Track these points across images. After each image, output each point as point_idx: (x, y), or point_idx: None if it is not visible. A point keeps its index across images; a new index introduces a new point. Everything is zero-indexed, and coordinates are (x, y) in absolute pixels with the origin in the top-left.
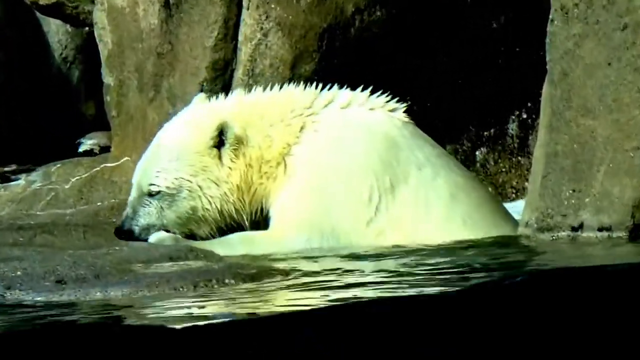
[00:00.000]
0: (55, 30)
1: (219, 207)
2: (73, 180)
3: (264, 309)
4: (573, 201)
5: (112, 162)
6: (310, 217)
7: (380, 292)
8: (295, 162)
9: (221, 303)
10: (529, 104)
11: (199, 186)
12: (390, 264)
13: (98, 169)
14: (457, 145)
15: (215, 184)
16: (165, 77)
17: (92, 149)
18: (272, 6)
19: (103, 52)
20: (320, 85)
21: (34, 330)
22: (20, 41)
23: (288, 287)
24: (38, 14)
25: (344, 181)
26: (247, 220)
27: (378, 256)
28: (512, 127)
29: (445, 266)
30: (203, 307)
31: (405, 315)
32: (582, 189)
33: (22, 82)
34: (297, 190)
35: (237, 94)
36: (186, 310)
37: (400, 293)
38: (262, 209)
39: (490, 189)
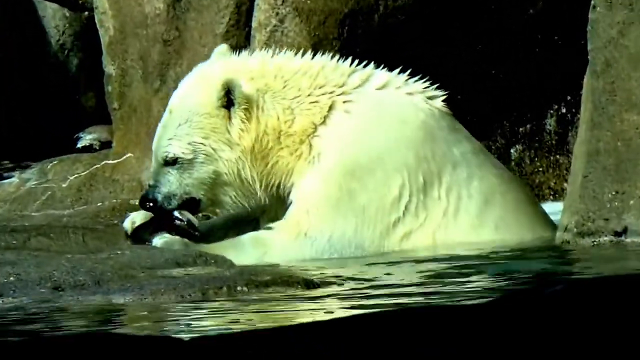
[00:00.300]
0: (52, 15)
1: (236, 171)
2: (71, 178)
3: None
4: (616, 203)
5: (113, 159)
6: (333, 215)
7: (406, 302)
8: (322, 146)
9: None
10: (569, 98)
11: (213, 149)
12: (413, 271)
13: (98, 166)
14: (490, 142)
15: (228, 146)
16: (172, 66)
17: (91, 145)
18: None
19: (104, 39)
20: (356, 62)
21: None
22: (13, 27)
23: (309, 298)
24: None
25: (373, 176)
26: (266, 190)
27: (399, 263)
28: (550, 123)
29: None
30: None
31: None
32: (626, 190)
33: (16, 72)
34: (321, 182)
35: (263, 54)
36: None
37: (423, 302)
38: (283, 186)
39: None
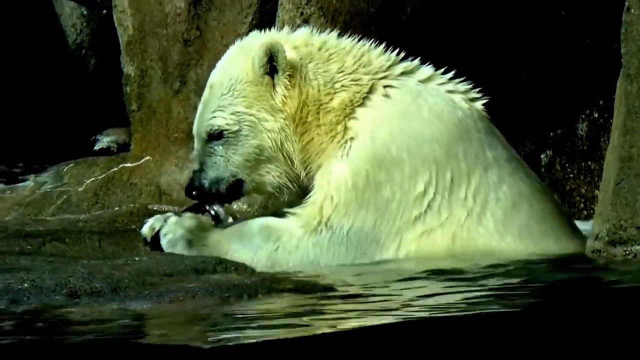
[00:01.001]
0: (70, 13)
1: (279, 144)
2: (87, 181)
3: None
4: None
5: (131, 162)
6: (355, 206)
7: (429, 312)
8: (356, 130)
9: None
10: (601, 102)
11: (257, 118)
12: (433, 280)
13: (116, 169)
14: (519, 147)
15: (271, 115)
16: (192, 67)
17: (109, 147)
18: None
19: (123, 38)
20: (402, 54)
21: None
22: (30, 26)
23: (330, 305)
24: None
25: (400, 169)
26: (303, 167)
27: (418, 270)
28: (582, 128)
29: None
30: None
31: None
32: None
33: (32, 72)
34: (348, 169)
35: (307, 29)
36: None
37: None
38: (312, 167)
39: (557, 198)
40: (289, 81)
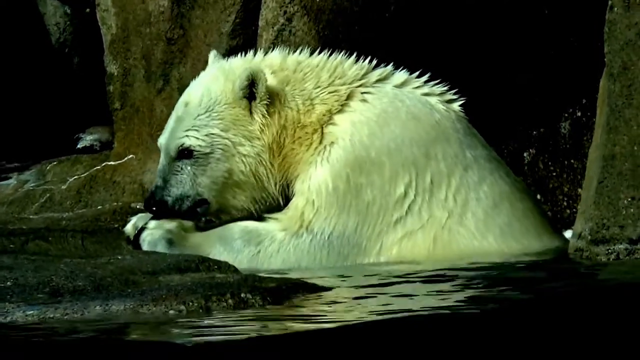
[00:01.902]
0: (53, 12)
1: (253, 169)
2: (70, 180)
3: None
4: (632, 210)
5: (114, 160)
6: (337, 210)
7: (412, 309)
8: (335, 135)
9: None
10: (584, 101)
11: (232, 142)
12: (412, 279)
13: (99, 167)
14: (502, 145)
15: (248, 140)
16: (176, 66)
17: (92, 145)
18: None
19: (106, 37)
20: (374, 62)
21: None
22: (13, 24)
23: (313, 304)
24: None
25: (380, 172)
26: (276, 187)
27: (400, 270)
28: (565, 126)
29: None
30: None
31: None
32: None
33: (15, 70)
34: (329, 173)
35: (279, 50)
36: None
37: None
38: (289, 180)
39: (538, 196)
40: (268, 109)
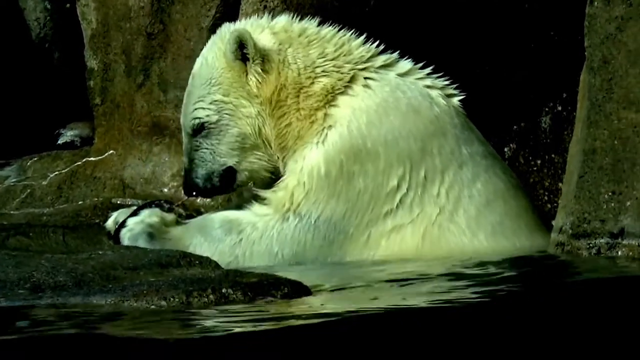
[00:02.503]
0: (33, 7)
1: (257, 129)
2: (51, 175)
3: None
4: (613, 204)
5: (95, 156)
6: (326, 195)
7: (394, 304)
8: (335, 119)
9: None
10: (565, 95)
11: (235, 105)
12: (397, 275)
13: (79, 163)
14: None
15: (247, 100)
16: (156, 61)
17: (72, 141)
18: None
19: (86, 32)
20: (382, 47)
21: None
22: None
23: (296, 300)
24: None
25: (375, 162)
26: (281, 152)
27: (384, 266)
28: (545, 121)
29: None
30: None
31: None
32: (623, 190)
33: None
34: (323, 158)
35: (286, 17)
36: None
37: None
38: (288, 151)
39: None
40: (263, 67)
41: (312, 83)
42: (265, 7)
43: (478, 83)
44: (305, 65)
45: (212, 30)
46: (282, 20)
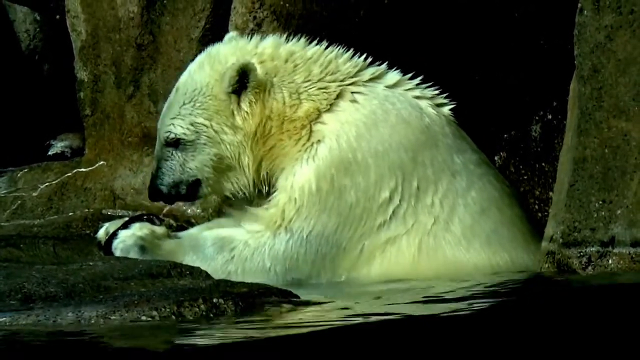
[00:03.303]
0: (23, 19)
1: (236, 156)
2: (42, 187)
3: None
4: (603, 213)
5: (85, 167)
6: (318, 210)
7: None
8: (322, 133)
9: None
10: (555, 104)
11: (215, 131)
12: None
13: (70, 174)
14: None
15: (231, 129)
16: (146, 72)
17: (63, 152)
18: None
19: (76, 43)
20: (369, 59)
21: None
22: None
23: (286, 310)
24: (3, 1)
25: (366, 175)
26: (257, 174)
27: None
28: (536, 129)
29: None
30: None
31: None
32: (614, 199)
33: None
34: (313, 172)
35: (276, 38)
36: None
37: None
38: (273, 172)
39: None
40: (255, 98)
41: (297, 109)
42: (254, 18)
43: (468, 92)
44: (290, 93)
45: (202, 41)
46: (270, 44)
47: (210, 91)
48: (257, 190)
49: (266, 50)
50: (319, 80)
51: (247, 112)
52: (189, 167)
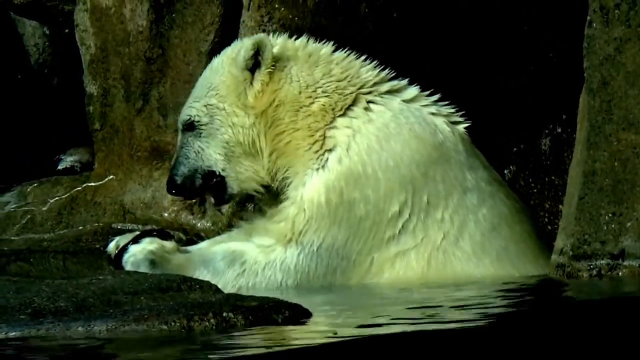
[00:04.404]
0: (32, 33)
1: (250, 140)
2: (51, 201)
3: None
4: (613, 226)
5: (95, 181)
6: (328, 222)
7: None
8: (335, 142)
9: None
10: (564, 117)
11: (227, 113)
12: (400, 301)
13: (79, 188)
14: None
15: (243, 110)
16: (155, 85)
17: (72, 166)
18: (276, 6)
19: (85, 57)
20: (392, 73)
21: None
22: None
23: (296, 324)
24: (12, 15)
25: (376, 189)
26: (275, 165)
27: (388, 292)
28: (545, 142)
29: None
30: None
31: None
32: (623, 212)
33: None
34: (324, 185)
35: (303, 38)
36: None
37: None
38: (287, 173)
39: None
40: (269, 77)
41: (312, 103)
42: (264, 31)
43: (479, 105)
44: (307, 84)
45: (211, 54)
46: (300, 39)
47: (226, 71)
48: (269, 186)
49: (292, 43)
50: (338, 81)
51: (258, 90)
52: (203, 155)
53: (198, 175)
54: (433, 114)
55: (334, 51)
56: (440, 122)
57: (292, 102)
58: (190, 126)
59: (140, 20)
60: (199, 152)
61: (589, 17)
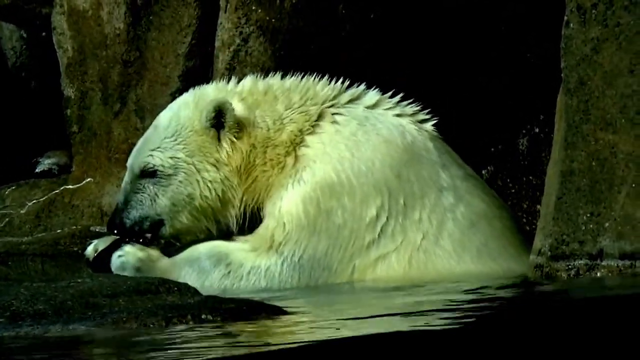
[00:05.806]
0: (9, 36)
1: (219, 193)
2: (29, 204)
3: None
4: (591, 226)
5: (73, 184)
6: (307, 233)
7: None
8: (307, 158)
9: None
10: (542, 117)
11: (197, 169)
12: (379, 302)
13: (57, 191)
14: None
15: (214, 166)
16: (133, 88)
17: (50, 169)
18: (253, 8)
19: (62, 60)
20: (347, 82)
21: None
22: None
23: (274, 325)
24: None
25: (352, 196)
26: (240, 213)
27: (366, 292)
28: (523, 143)
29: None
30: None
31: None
32: (602, 212)
33: None
34: (300, 198)
35: (253, 77)
36: None
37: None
38: (259, 202)
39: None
40: (236, 136)
41: (281, 133)
42: (241, 33)
43: (455, 106)
44: (273, 120)
45: (188, 56)
46: (248, 83)
47: (193, 126)
48: (230, 226)
49: (245, 87)
50: (300, 106)
51: (229, 149)
52: (159, 203)
53: (147, 222)
54: (398, 115)
55: (282, 78)
56: (406, 122)
57: (263, 142)
58: (151, 174)
59: (118, 23)
60: (154, 200)
61: (566, 17)
